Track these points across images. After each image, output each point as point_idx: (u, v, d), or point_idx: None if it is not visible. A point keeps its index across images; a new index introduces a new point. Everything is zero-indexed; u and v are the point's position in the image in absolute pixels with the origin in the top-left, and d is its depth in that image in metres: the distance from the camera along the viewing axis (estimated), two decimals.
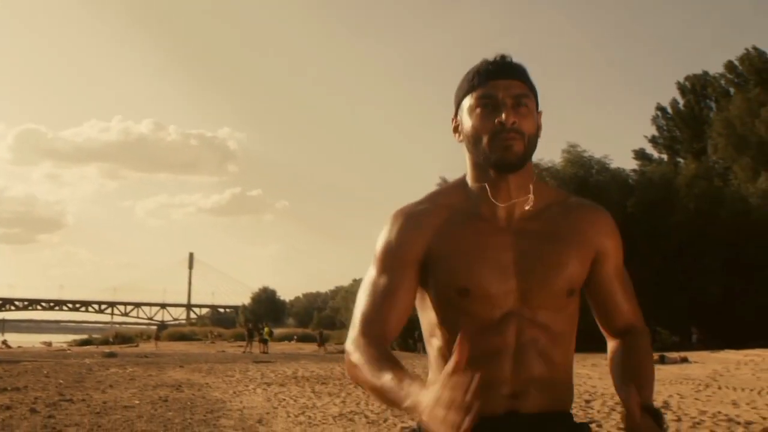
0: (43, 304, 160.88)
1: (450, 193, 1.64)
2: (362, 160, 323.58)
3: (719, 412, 8.60)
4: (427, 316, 1.63)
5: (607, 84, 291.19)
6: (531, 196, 1.56)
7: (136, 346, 47.95)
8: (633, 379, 1.52)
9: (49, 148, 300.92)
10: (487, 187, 1.56)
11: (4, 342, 48.13)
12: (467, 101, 1.56)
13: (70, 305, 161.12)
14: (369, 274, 1.58)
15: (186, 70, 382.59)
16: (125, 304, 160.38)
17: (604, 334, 1.74)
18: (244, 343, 38.77)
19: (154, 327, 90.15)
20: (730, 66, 48.66)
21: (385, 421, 8.56)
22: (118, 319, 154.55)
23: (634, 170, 40.28)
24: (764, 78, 45.70)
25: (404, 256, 1.56)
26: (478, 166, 1.57)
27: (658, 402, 8.65)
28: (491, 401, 1.51)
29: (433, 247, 1.55)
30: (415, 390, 1.27)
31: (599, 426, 7.78)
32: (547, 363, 1.53)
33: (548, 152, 38.41)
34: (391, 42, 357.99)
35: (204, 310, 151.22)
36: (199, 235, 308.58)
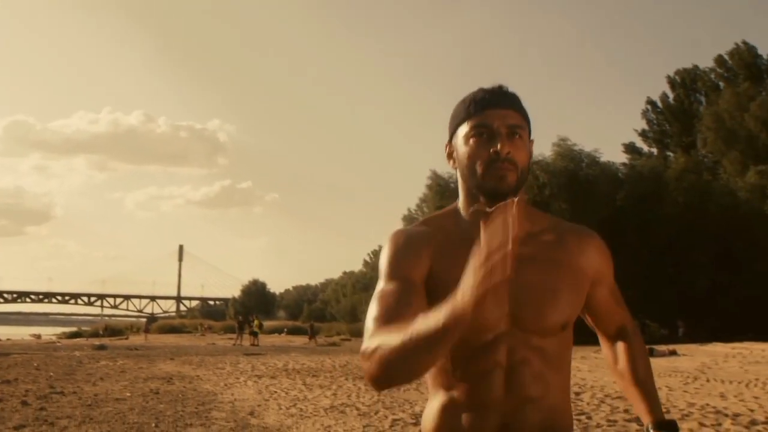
0: (32, 296, 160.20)
1: (443, 219, 1.65)
2: (353, 153, 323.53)
3: (707, 405, 8.68)
4: None
5: (597, 78, 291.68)
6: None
7: (126, 338, 47.89)
8: (645, 399, 1.72)
9: (38, 140, 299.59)
10: (479, 212, 1.52)
11: None
12: (462, 129, 1.57)
13: (59, 297, 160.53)
14: (377, 288, 1.55)
15: (176, 62, 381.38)
16: (115, 296, 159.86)
17: (597, 333, 1.82)
18: (234, 336, 38.73)
19: (144, 319, 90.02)
20: (720, 60, 48.83)
21: (377, 413, 8.61)
22: (107, 311, 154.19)
23: (624, 164, 40.48)
24: (753, 72, 45.90)
25: (411, 267, 1.54)
26: (471, 195, 1.59)
27: None
28: (484, 424, 1.51)
29: (434, 267, 1.54)
30: (447, 303, 1.24)
31: (589, 418, 7.84)
32: (542, 384, 1.53)
33: (539, 146, 37.87)
34: (387, 39, 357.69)
35: (194, 303, 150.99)
36: (188, 228, 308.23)
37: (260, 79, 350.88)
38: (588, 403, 9.11)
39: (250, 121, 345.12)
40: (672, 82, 52.20)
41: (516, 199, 1.29)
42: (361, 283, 72.33)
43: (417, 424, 7.64)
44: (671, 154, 47.23)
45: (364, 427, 7.60)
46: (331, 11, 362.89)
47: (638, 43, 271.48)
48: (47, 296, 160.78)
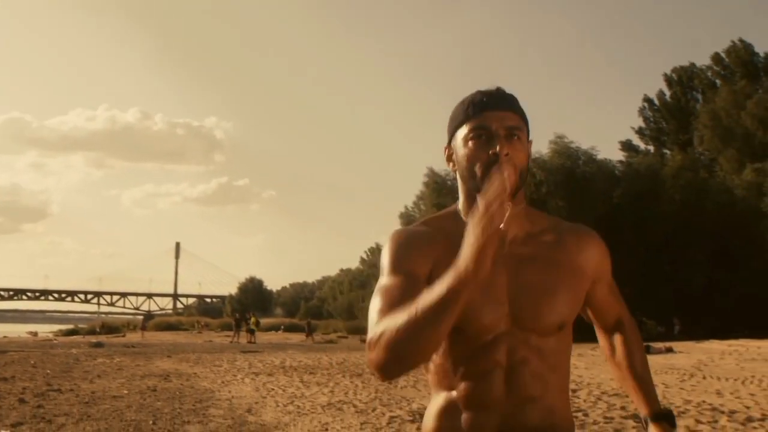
0: (29, 293, 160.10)
1: (443, 220, 1.66)
2: (350, 150, 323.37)
3: (704, 402, 8.71)
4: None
5: (594, 75, 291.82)
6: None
7: (123, 335, 47.83)
8: (642, 391, 1.78)
9: (35, 137, 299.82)
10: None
11: None
12: (461, 131, 1.58)
13: (55, 295, 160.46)
14: (379, 283, 1.55)
15: (172, 60, 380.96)
16: (111, 293, 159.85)
17: (594, 326, 1.85)
18: (231, 333, 38.72)
19: (141, 317, 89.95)
20: (716, 58, 48.87)
21: (374, 410, 8.63)
22: (104, 309, 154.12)
23: (620, 161, 40.43)
24: (750, 70, 45.96)
25: (413, 264, 1.55)
26: (471, 197, 1.58)
27: None
28: (485, 423, 1.53)
29: (435, 267, 1.53)
30: (450, 270, 1.29)
31: (585, 415, 7.86)
32: (541, 384, 1.55)
33: (536, 143, 36.91)
34: (386, 38, 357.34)
35: (191, 300, 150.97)
36: (185, 225, 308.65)
37: (257, 77, 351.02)
38: (585, 400, 9.13)
39: (247, 118, 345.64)
40: (669, 80, 52.24)
41: (507, 155, 1.40)
42: (358, 281, 72.32)
43: (414, 421, 7.66)
44: (668, 151, 47.25)
45: (361, 424, 7.62)
46: (328, 10, 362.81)
47: (635, 41, 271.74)
48: (44, 294, 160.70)
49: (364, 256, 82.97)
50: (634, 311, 1.91)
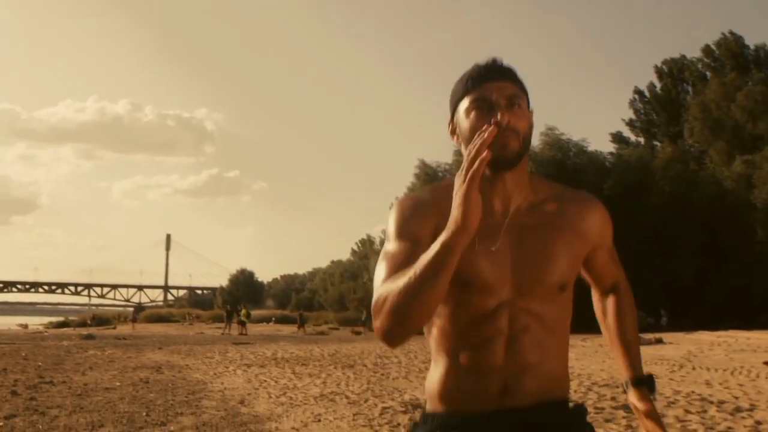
0: (19, 286, 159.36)
1: (448, 188, 1.66)
2: (341, 141, 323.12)
3: (693, 392, 8.77)
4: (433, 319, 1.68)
5: (585, 67, 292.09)
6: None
7: (114, 328, 47.79)
8: (627, 355, 1.83)
9: (24, 129, 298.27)
10: (483, 182, 1.59)
11: None
12: (463, 104, 1.62)
13: (45, 287, 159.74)
14: (384, 248, 1.61)
15: (163, 51, 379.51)
16: (102, 285, 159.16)
17: (591, 287, 1.92)
18: (222, 325, 38.73)
19: (131, 309, 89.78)
20: (707, 50, 49.02)
21: (366, 401, 8.66)
22: (94, 301, 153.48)
23: (611, 153, 40.60)
24: (740, 63, 46.12)
25: (417, 229, 1.60)
26: None
27: None
28: (482, 396, 1.59)
29: (438, 231, 1.55)
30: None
31: None
32: (540, 351, 1.60)
33: None
34: (375, 31, 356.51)
35: (181, 292, 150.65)
36: (176, 217, 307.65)
37: (248, 68, 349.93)
38: (575, 391, 9.19)
39: (238, 109, 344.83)
40: (659, 72, 52.36)
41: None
42: (349, 272, 72.31)
43: (406, 412, 7.70)
44: (658, 143, 47.42)
45: (354, 415, 7.65)
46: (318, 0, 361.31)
47: (626, 33, 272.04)
48: (34, 286, 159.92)
49: (355, 248, 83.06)
50: None
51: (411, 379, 11.13)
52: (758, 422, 6.60)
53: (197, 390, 10.17)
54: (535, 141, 35.31)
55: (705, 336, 22.83)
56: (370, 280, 51.55)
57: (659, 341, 20.17)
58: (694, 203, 34.27)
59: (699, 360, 13.81)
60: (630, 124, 53.39)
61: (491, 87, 1.58)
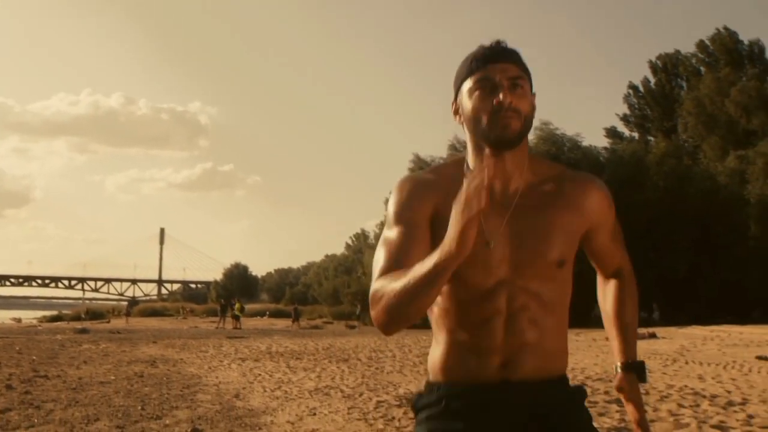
0: (12, 279, 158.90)
1: (451, 168, 1.75)
2: (335, 135, 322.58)
3: (686, 386, 8.82)
4: None
5: (579, 62, 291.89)
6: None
7: (108, 322, 47.68)
8: (622, 339, 1.84)
9: (17, 122, 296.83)
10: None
11: None
12: (466, 84, 1.65)
13: (39, 281, 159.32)
14: (384, 233, 1.67)
15: (157, 44, 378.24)
16: (95, 279, 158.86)
17: (596, 270, 1.93)
18: (216, 319, 38.74)
19: (125, 303, 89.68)
20: (701, 45, 49.09)
21: (361, 395, 8.69)
22: (88, 295, 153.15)
23: (605, 148, 40.69)
24: (734, 58, 46.21)
25: (416, 212, 1.66)
26: (478, 147, 1.67)
27: None
28: (483, 370, 1.62)
29: (438, 211, 1.65)
30: (439, 247, 1.42)
31: None
32: (538, 329, 1.63)
33: None
34: (366, 25, 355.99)
35: (175, 286, 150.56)
36: (170, 211, 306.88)
37: (242, 62, 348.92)
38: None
39: (232, 103, 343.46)
40: (654, 67, 52.45)
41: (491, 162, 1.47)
42: (343, 266, 72.34)
43: (401, 405, 7.73)
44: (652, 138, 47.53)
45: (348, 408, 7.68)
46: None
47: (621, 27, 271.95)
48: (27, 280, 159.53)
49: (349, 242, 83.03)
50: None
51: (405, 373, 11.17)
52: (750, 416, 6.64)
53: (192, 384, 10.18)
54: (530, 135, 35.28)
55: (698, 331, 22.93)
56: (365, 274, 51.66)
57: (652, 336, 20.24)
58: (688, 198, 34.36)
59: (692, 354, 13.87)
60: (624, 119, 53.51)
61: (495, 68, 1.61)
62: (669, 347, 15.88)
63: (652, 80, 52.36)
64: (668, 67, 51.66)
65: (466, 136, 1.71)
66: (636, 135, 51.29)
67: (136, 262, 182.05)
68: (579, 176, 1.75)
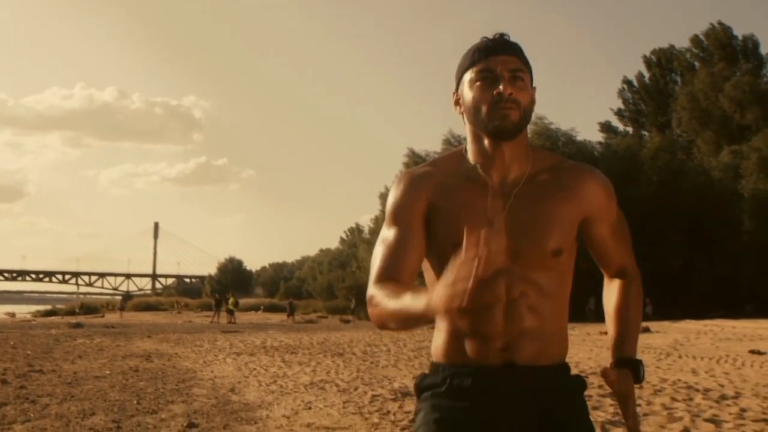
0: (5, 274, 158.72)
1: (449, 159, 1.78)
2: (330, 129, 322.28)
3: (679, 380, 8.87)
4: (429, 276, 1.77)
5: (574, 57, 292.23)
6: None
7: (102, 316, 47.65)
8: (621, 336, 1.83)
9: (10, 116, 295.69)
10: (483, 153, 1.70)
11: None
12: (468, 75, 1.68)
13: (33, 276, 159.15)
14: (382, 231, 1.72)
15: (150, 38, 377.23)
16: (89, 274, 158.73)
17: (602, 270, 1.92)
18: (211, 314, 38.72)
19: (120, 297, 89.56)
20: (695, 40, 49.17)
21: (356, 389, 8.72)
22: (82, 289, 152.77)
23: (599, 143, 40.77)
24: (729, 53, 46.28)
25: (410, 210, 1.70)
26: (477, 138, 1.70)
27: None
28: (486, 354, 1.65)
29: (433, 202, 1.69)
30: (431, 292, 1.42)
31: None
32: (537, 316, 1.65)
33: None
34: (361, 20, 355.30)
35: (170, 281, 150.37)
36: (164, 205, 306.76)
37: (236, 56, 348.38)
38: None
39: (226, 97, 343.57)
40: (648, 62, 52.53)
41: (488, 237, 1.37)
42: (337, 261, 72.38)
43: (396, 399, 7.76)
44: (646, 133, 47.61)
45: (344, 402, 7.70)
46: None
47: (615, 22, 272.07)
48: (21, 274, 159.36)
49: (344, 236, 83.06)
50: None
51: (400, 367, 11.19)
52: (743, 410, 6.69)
53: (187, 378, 10.19)
54: None
55: (691, 325, 23.03)
56: (359, 268, 51.71)
57: (646, 330, 20.30)
58: (682, 193, 34.43)
59: (685, 348, 13.94)
60: (618, 113, 53.63)
61: (497, 60, 1.64)
62: (662, 341, 15.95)
63: (647, 75, 52.45)
64: (662, 61, 51.74)
65: (465, 126, 1.73)
66: (630, 130, 51.40)
67: (130, 257, 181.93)
68: (577, 166, 1.77)
